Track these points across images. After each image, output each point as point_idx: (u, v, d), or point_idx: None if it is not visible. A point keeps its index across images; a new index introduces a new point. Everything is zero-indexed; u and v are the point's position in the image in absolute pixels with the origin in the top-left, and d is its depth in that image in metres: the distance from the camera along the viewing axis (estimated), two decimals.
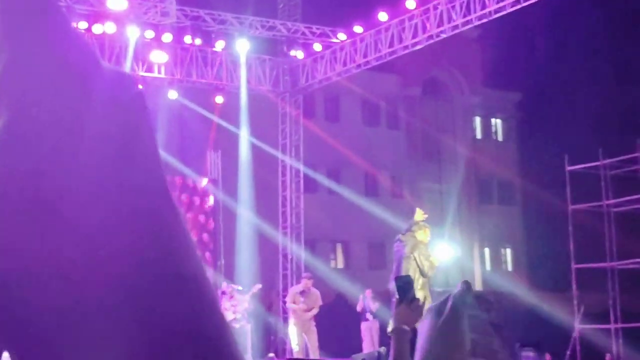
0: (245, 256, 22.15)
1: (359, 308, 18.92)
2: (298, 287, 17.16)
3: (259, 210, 23.02)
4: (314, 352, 15.97)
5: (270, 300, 21.61)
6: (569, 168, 21.84)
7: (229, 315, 16.67)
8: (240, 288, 17.87)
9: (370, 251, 30.63)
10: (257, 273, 20.82)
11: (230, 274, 21.07)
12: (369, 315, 18.72)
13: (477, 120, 35.40)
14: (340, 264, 30.67)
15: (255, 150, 22.94)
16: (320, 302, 16.76)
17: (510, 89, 33.70)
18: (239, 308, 17.01)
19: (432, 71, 32.43)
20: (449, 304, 2.37)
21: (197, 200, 22.73)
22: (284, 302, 20.70)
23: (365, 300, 18.86)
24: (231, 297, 17.03)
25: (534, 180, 30.61)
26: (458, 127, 33.19)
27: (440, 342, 2.29)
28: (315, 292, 16.80)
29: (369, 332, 18.77)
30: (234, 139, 22.74)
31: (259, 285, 17.88)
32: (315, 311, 16.59)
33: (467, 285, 2.35)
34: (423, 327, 2.41)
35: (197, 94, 22.13)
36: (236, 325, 16.74)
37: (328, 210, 28.35)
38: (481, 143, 34.64)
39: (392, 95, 31.90)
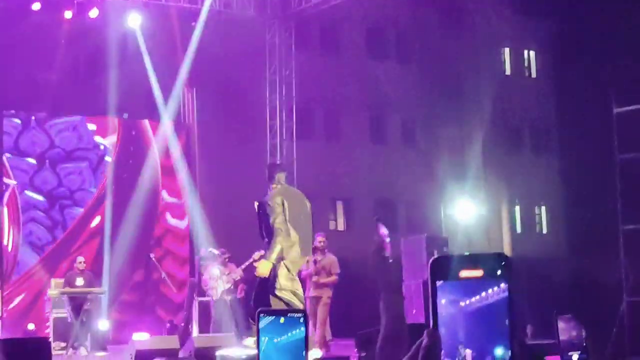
0: (225, 218, 21.84)
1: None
2: None
3: (242, 161, 22.69)
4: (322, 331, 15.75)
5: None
6: (616, 110, 21.48)
7: (222, 286, 16.68)
8: (215, 251, 17.72)
9: (376, 210, 30.35)
10: (239, 237, 20.52)
11: (209, 240, 20.80)
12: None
13: (506, 53, 34.97)
14: (341, 225, 30.42)
15: (237, 88, 22.55)
16: (337, 270, 16.36)
17: (546, 16, 33.22)
18: (233, 277, 17.02)
19: None
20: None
21: (164, 149, 22.39)
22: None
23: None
24: (224, 263, 17.01)
25: (574, 124, 30.25)
26: (483, 61, 32.72)
27: None
28: (331, 257, 16.32)
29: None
30: (211, 75, 22.33)
31: (261, 252, 17.72)
32: (333, 279, 16.16)
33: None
34: None
35: (165, 19, 21.64)
36: (227, 298, 16.72)
37: (326, 161, 28.01)
38: (511, 80, 34.23)
39: (404, 22, 31.38)
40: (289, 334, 2.95)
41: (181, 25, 21.50)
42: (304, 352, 2.97)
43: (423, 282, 17.02)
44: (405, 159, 29.89)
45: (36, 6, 19.46)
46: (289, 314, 3.01)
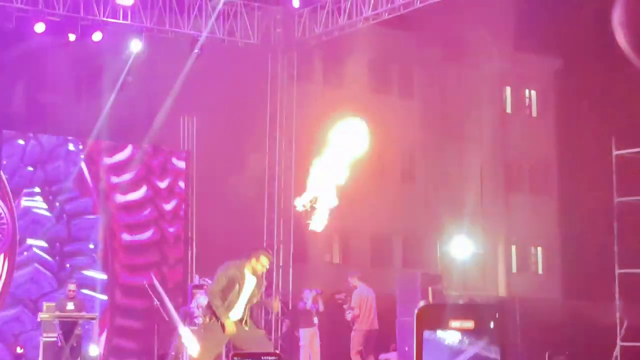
0: (219, 247, 21.73)
1: (305, 306, 18.86)
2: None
3: (241, 190, 22.59)
4: None
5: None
6: (616, 152, 21.45)
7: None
8: (209, 281, 17.66)
9: (373, 245, 30.23)
10: None
11: (204, 267, 20.71)
12: (315, 319, 18.77)
13: (508, 91, 34.94)
14: (337, 258, 30.30)
15: (238, 117, 22.49)
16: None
17: (548, 54, 33.21)
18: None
19: (455, 29, 31.88)
20: None
21: (166, 177, 22.32)
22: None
23: (310, 299, 18.83)
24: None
25: (573, 165, 30.22)
26: (484, 98, 32.74)
27: None
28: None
29: (309, 342, 18.74)
30: (212, 103, 22.26)
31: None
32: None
33: None
34: None
35: (169, 46, 21.60)
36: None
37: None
38: (511, 118, 34.21)
39: (407, 57, 31.39)
40: None
41: (183, 52, 21.44)
42: None
43: None
44: (404, 193, 29.80)
45: (40, 28, 19.44)
46: (262, 357, 3.01)
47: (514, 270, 33.38)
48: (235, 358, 3.02)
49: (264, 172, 22.97)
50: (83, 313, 17.36)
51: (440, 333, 2.31)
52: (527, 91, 35.49)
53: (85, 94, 23.41)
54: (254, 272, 11.61)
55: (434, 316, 2.33)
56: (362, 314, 17.71)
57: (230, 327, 11.31)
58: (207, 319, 11.64)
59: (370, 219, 28.89)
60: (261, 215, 22.80)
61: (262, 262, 11.64)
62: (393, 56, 30.97)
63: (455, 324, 2.26)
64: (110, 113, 21.25)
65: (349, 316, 17.76)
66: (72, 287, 17.98)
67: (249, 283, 11.57)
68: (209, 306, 11.69)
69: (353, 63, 29.85)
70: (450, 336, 2.28)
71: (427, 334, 2.29)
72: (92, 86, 22.54)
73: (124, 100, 20.93)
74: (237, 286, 11.45)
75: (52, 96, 22.01)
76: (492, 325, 2.25)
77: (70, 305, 17.21)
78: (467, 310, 2.31)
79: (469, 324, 2.25)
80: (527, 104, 35.59)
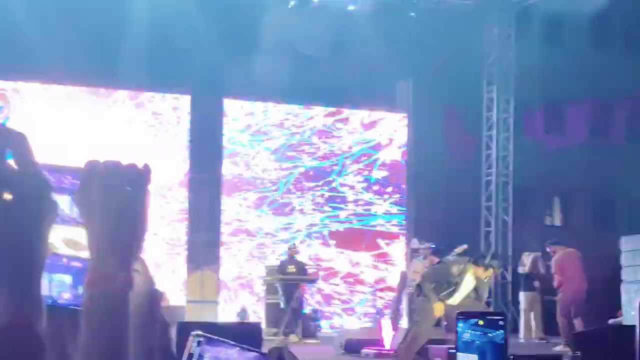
0: (438, 209, 21.63)
1: (524, 269, 18.68)
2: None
3: (458, 151, 22.40)
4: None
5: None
6: None
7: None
8: (433, 245, 17.56)
9: (595, 206, 29.30)
10: (452, 231, 20.26)
11: (421, 231, 20.68)
12: (536, 283, 18.53)
13: None
14: (558, 220, 29.57)
15: (453, 80, 22.23)
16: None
17: None
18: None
19: None
20: None
21: (383, 140, 22.46)
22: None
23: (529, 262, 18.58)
24: (425, 255, 16.90)
25: None
26: None
27: None
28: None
29: (529, 306, 18.43)
30: (427, 65, 22.11)
31: (465, 246, 17.61)
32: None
33: None
34: None
35: (384, 10, 21.56)
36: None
37: (544, 156, 27.26)
38: None
39: (630, 12, 30.09)
40: (488, 336, 2.85)
41: (398, 16, 21.36)
42: (504, 355, 2.84)
43: None
44: (629, 154, 28.69)
45: None
46: (488, 316, 2.90)
47: None
48: (460, 317, 2.92)
49: (480, 133, 22.65)
50: (303, 276, 17.65)
51: None
52: None
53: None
54: (476, 278, 11.51)
55: None
56: (565, 279, 17.23)
57: (439, 311, 11.26)
58: (421, 300, 11.64)
59: (592, 180, 28.02)
60: (479, 176, 22.54)
61: (487, 274, 11.57)
62: (615, 11, 29.76)
63: None
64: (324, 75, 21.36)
65: (555, 283, 17.45)
66: (292, 245, 18.24)
67: (468, 284, 11.45)
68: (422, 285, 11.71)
69: (574, 19, 28.91)
70: None
71: None
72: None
73: (341, 65, 21.06)
74: (453, 285, 11.36)
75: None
76: None
77: (291, 268, 17.51)
78: None
79: None
80: None
